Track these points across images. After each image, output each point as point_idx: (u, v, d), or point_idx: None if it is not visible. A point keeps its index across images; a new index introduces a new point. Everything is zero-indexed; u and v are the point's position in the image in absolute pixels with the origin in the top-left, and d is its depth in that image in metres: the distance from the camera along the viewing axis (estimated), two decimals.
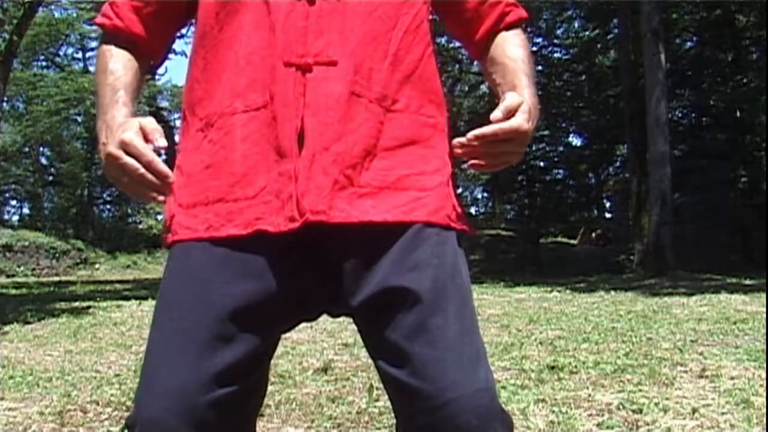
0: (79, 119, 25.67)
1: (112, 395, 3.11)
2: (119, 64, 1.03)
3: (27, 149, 26.06)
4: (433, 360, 0.88)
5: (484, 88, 27.92)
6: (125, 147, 0.89)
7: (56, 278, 17.20)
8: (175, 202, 0.96)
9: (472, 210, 30.84)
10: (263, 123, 0.90)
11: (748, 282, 9.47)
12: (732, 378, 3.14)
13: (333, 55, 0.90)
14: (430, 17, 1.05)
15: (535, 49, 23.46)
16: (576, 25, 22.15)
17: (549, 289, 9.81)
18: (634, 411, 2.59)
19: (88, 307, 7.82)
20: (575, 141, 23.11)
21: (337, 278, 0.91)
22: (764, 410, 2.49)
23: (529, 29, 24.08)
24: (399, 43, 0.96)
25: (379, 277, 0.90)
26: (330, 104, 0.89)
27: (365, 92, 0.92)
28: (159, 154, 0.90)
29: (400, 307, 0.89)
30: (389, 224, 0.91)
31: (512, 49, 1.08)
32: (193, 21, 1.06)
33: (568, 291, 9.34)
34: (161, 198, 0.89)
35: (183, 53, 16.37)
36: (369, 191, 0.91)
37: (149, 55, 1.09)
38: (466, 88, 26.19)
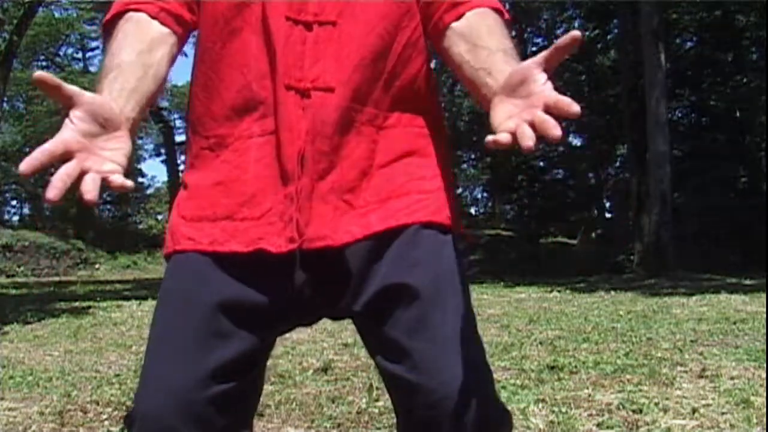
0: None
1: (112, 395, 3.11)
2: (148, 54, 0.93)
3: (27, 149, 26.07)
4: (432, 355, 0.89)
5: None
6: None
7: (56, 278, 17.21)
8: (177, 214, 0.97)
9: (472, 210, 30.85)
10: (274, 146, 0.91)
11: (748, 282, 9.47)
12: (732, 378, 3.14)
13: (330, 81, 0.91)
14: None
15: (534, 49, 23.46)
16: (576, 25, 22.13)
17: (549, 289, 9.81)
18: (634, 411, 2.59)
19: (88, 307, 7.82)
20: (575, 141, 23.11)
21: (338, 287, 0.92)
22: (764, 410, 2.49)
23: (529, 29, 24.14)
24: (397, 59, 0.96)
25: (379, 278, 0.91)
26: (326, 132, 0.90)
27: (358, 116, 0.93)
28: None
29: (400, 303, 0.90)
30: (392, 229, 0.92)
31: (489, 34, 0.93)
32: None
33: (568, 291, 9.34)
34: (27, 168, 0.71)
35: (184, 53, 16.34)
36: (371, 208, 0.93)
37: (182, 45, 1.02)
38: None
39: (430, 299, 0.90)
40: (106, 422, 2.68)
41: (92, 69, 26.54)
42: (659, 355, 3.79)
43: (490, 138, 0.75)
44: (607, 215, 25.69)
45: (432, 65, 1.07)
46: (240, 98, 0.93)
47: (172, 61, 0.99)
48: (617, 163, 22.52)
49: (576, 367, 3.46)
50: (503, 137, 0.74)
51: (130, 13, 0.96)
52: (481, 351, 0.95)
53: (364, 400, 2.85)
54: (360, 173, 0.93)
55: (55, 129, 0.74)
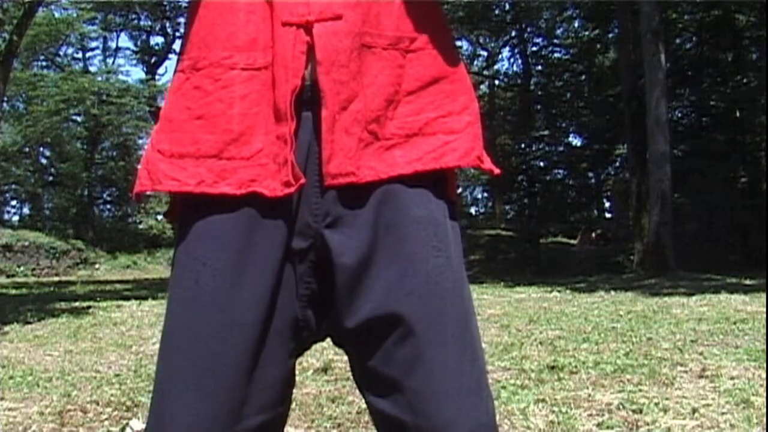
0: (79, 119, 25.66)
1: (112, 395, 3.11)
2: None
3: (27, 149, 26.06)
4: (429, 394, 0.83)
5: (484, 88, 27.92)
6: None
7: (56, 278, 17.22)
8: (154, 148, 0.90)
9: (472, 210, 30.87)
10: (263, 84, 0.86)
11: (748, 282, 9.47)
12: (732, 378, 3.14)
13: (337, 9, 0.86)
14: None
15: (535, 49, 23.47)
16: (576, 25, 22.17)
17: (549, 289, 9.81)
18: (634, 411, 2.59)
19: (88, 307, 7.83)
20: (575, 141, 23.10)
21: (333, 292, 0.86)
22: (764, 410, 2.49)
23: (529, 29, 24.13)
24: None
25: (373, 302, 0.84)
26: (341, 61, 0.85)
27: (376, 41, 0.88)
28: None
29: (394, 336, 0.84)
30: (418, 174, 0.87)
31: None
32: None
33: (568, 291, 9.34)
34: None
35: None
36: (396, 141, 0.88)
37: None
38: None
39: (427, 332, 0.84)
40: (106, 422, 2.68)
41: (92, 69, 26.58)
42: (659, 355, 3.79)
43: None
44: (607, 215, 25.71)
45: None
46: (235, 32, 0.88)
47: None
48: (617, 163, 22.50)
49: (576, 367, 3.46)
50: None
51: None
52: (483, 383, 0.88)
53: (364, 401, 2.85)
54: (386, 101, 0.87)
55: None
